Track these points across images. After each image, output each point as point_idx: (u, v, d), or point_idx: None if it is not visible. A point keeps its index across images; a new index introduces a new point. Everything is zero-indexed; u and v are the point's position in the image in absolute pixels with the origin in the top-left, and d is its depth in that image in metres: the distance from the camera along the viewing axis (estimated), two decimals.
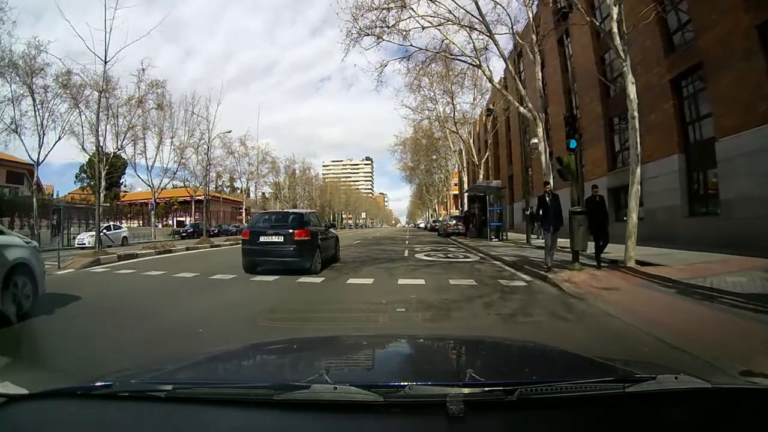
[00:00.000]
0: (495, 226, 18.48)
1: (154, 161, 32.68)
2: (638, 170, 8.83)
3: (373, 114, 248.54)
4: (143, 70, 29.67)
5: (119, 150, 30.21)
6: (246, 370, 1.43)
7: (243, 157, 46.69)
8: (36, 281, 4.94)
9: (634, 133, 8.88)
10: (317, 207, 75.04)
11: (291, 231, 8.14)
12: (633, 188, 8.66)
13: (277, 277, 7.48)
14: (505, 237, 18.38)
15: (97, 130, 12.59)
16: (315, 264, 8.11)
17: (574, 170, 9.43)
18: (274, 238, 8.12)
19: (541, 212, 8.30)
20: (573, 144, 10.77)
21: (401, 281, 7.06)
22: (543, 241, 8.91)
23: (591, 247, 8.64)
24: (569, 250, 10.34)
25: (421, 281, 7.02)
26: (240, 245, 8.86)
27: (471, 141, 26.34)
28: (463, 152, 31.98)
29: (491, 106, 23.83)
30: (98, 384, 1.02)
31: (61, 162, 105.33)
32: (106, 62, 11.35)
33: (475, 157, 26.11)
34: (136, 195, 53.81)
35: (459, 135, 26.11)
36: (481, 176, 25.54)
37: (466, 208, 33.63)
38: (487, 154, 25.97)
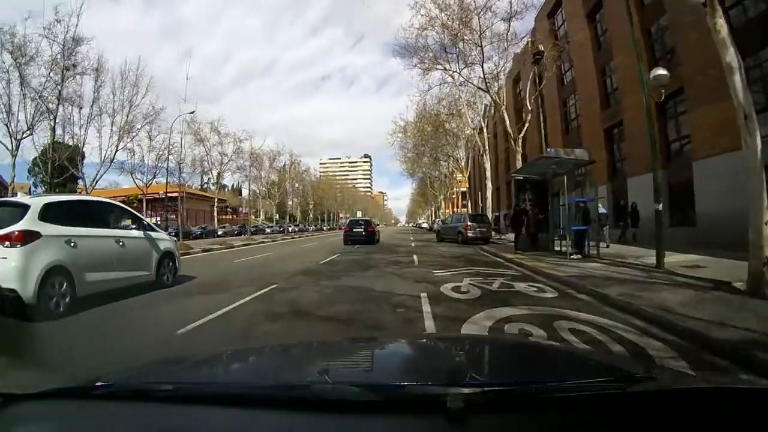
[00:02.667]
0: (577, 231, 10.51)
1: (82, 146, 24.94)
2: None
3: (374, 113, 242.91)
4: (57, 21, 22.17)
5: (29, 132, 22.57)
6: (246, 370, 1.42)
7: (215, 146, 39.01)
8: (176, 263, 7.62)
9: None
10: (309, 205, 67.24)
11: (365, 226, 21.29)
12: None
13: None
14: (593, 251, 10.27)
15: None
16: (375, 240, 21.03)
17: None
18: (359, 229, 20.85)
19: None
20: None
21: None
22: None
23: None
24: None
25: None
26: None
27: (504, 107, 18.63)
28: (485, 130, 24.25)
29: (540, 48, 15.96)
30: (98, 384, 1.03)
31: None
32: None
33: (509, 128, 18.32)
34: (98, 192, 46.36)
35: (489, 94, 18.38)
36: (519, 157, 17.88)
37: (485, 204, 26.16)
38: (527, 123, 18.06)
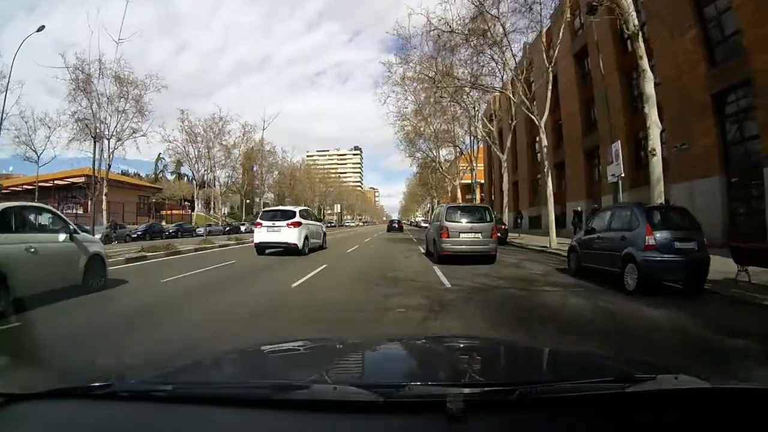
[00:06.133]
0: None
1: None
2: None
3: (369, 110, 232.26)
4: None
5: None
6: (246, 370, 1.42)
7: (119, 100, 24.84)
8: (308, 240, 13.96)
9: None
10: (283, 196, 53.67)
11: (399, 222, 47.42)
12: None
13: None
14: None
15: None
16: (402, 231, 40.32)
17: None
18: (395, 225, 43.38)
19: None
20: None
21: None
22: None
23: None
24: None
25: None
26: None
27: None
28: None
29: None
30: (98, 384, 1.01)
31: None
32: None
33: None
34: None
35: None
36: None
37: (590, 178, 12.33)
38: None
